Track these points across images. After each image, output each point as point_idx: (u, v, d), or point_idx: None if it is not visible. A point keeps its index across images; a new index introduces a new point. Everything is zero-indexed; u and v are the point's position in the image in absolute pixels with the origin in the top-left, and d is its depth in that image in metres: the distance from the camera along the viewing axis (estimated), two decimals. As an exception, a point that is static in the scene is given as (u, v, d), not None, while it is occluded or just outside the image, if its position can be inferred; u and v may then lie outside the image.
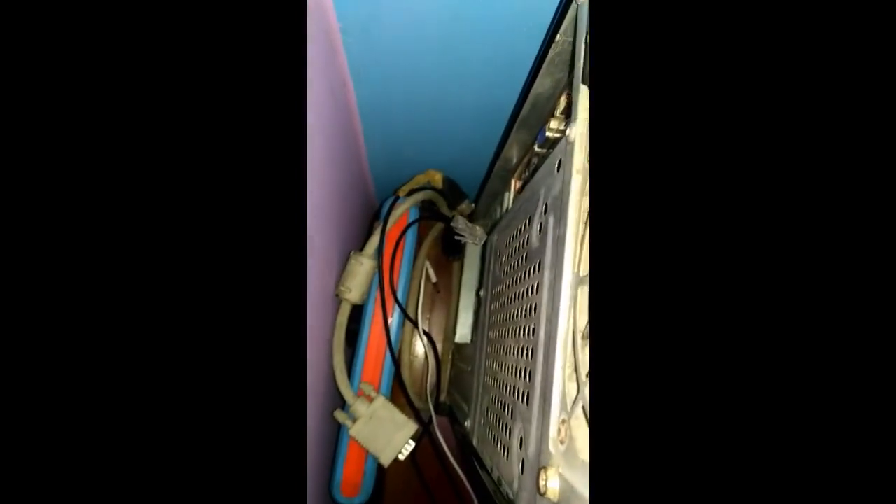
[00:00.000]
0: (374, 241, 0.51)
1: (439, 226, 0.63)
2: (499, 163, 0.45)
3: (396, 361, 0.54)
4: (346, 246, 0.53)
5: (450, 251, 0.63)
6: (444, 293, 0.71)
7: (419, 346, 0.67)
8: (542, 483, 0.18)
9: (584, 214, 0.21)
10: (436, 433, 0.56)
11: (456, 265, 0.67)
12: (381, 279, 0.52)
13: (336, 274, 0.51)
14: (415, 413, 0.56)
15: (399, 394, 0.56)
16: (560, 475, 0.18)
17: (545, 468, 0.19)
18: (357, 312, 0.54)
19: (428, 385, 0.58)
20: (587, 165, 0.21)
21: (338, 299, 0.52)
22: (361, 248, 0.52)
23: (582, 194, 0.21)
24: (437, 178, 0.58)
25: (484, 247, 0.49)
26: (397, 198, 0.54)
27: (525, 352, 0.27)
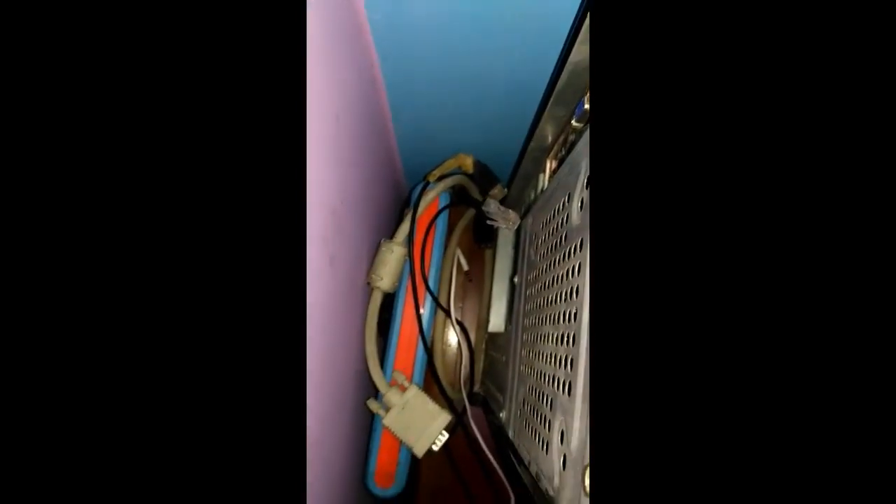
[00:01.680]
0: (405, 228, 0.50)
1: (471, 212, 0.61)
2: (532, 142, 0.43)
3: (429, 351, 0.53)
4: (377, 233, 0.52)
5: (482, 238, 0.61)
6: (477, 282, 0.69)
7: (452, 336, 0.66)
8: (587, 482, 0.16)
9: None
10: (470, 424, 0.55)
11: (488, 253, 0.65)
12: (413, 267, 0.51)
13: (367, 262, 0.50)
14: (448, 404, 0.54)
15: (432, 384, 0.55)
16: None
17: (590, 466, 0.17)
18: (389, 301, 0.53)
19: (461, 375, 0.57)
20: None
21: (369, 288, 0.51)
22: (392, 236, 0.51)
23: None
24: (468, 163, 0.56)
25: (518, 232, 0.47)
26: (427, 183, 0.52)
27: (566, 339, 0.25)
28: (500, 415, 0.41)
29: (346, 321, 0.45)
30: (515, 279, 0.43)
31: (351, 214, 0.41)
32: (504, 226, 0.43)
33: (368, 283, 0.50)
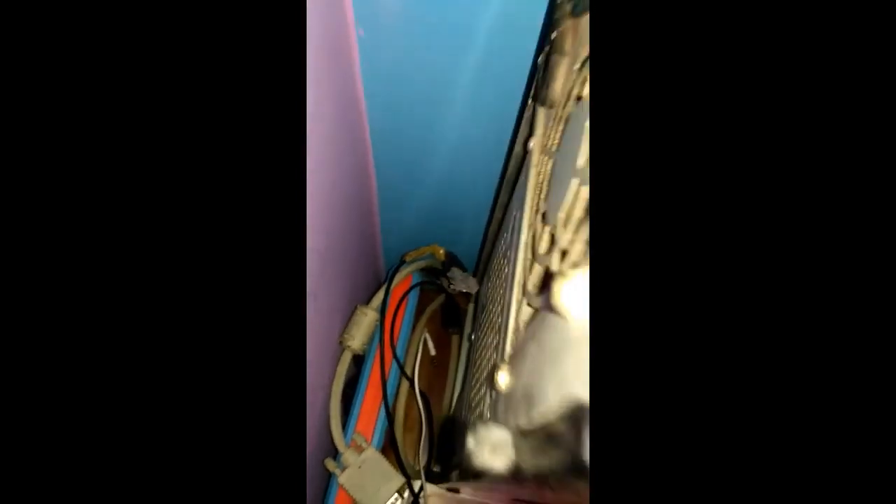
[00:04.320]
0: (380, 295, 0.57)
1: (440, 298, 0.68)
2: (491, 227, 0.53)
3: (390, 416, 0.55)
4: (354, 300, 0.59)
5: (449, 323, 0.67)
6: (442, 368, 0.73)
7: (415, 408, 0.67)
8: (496, 378, 0.22)
9: (537, 185, 0.27)
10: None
11: (455, 339, 0.70)
12: (382, 333, 0.56)
13: (341, 325, 0.56)
14: (405, 474, 0.55)
15: (390, 453, 0.56)
16: (507, 369, 0.22)
17: (497, 365, 0.22)
18: (357, 364, 0.57)
19: (420, 448, 0.58)
20: (542, 160, 0.28)
21: (340, 348, 0.55)
22: (367, 303, 0.57)
23: (538, 172, 0.28)
24: (440, 252, 0.65)
25: (476, 301, 0.54)
26: (403, 262, 0.61)
27: (498, 317, 0.31)
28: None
29: (315, 378, 0.49)
30: (472, 336, 0.49)
31: (334, 269, 0.48)
32: (465, 289, 0.51)
33: (340, 343, 0.55)
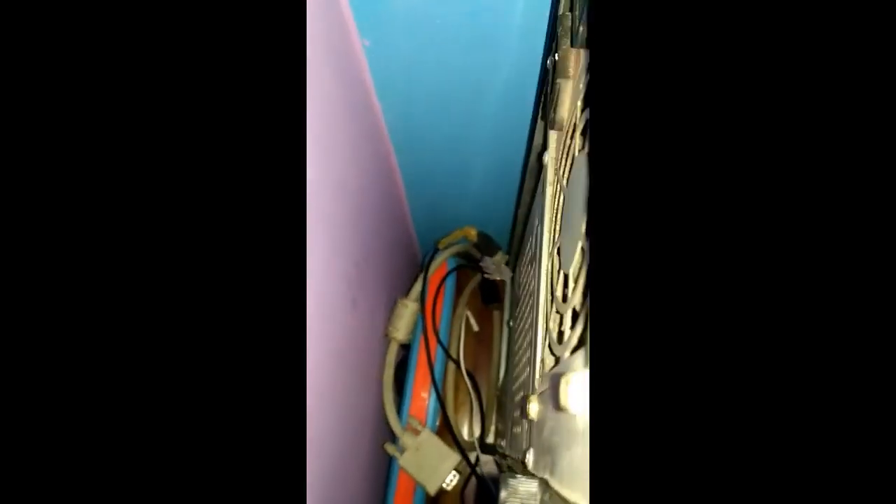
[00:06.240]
0: (417, 286, 0.59)
1: (477, 276, 0.70)
2: (520, 210, 0.52)
3: (441, 399, 0.59)
4: (394, 293, 0.61)
5: (489, 299, 0.68)
6: (485, 342, 0.75)
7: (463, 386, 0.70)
8: (527, 408, 0.23)
9: (552, 213, 0.27)
10: (482, 474, 0.58)
11: (496, 314, 0.72)
12: (424, 321, 0.59)
13: (385, 318, 0.58)
14: (461, 451, 0.59)
15: (445, 432, 0.60)
16: (538, 398, 0.23)
17: (528, 396, 0.23)
18: (405, 352, 0.60)
19: (472, 425, 0.62)
20: (555, 177, 0.28)
21: (387, 340, 0.58)
22: (406, 294, 0.59)
23: (553, 198, 0.28)
24: (472, 233, 0.65)
25: (513, 281, 0.55)
26: (437, 250, 0.62)
27: (530, 342, 0.32)
28: (503, 443, 0.46)
29: (367, 370, 0.52)
30: (511, 323, 0.51)
31: (372, 271, 0.50)
32: (499, 277, 0.52)
33: (386, 335, 0.58)
